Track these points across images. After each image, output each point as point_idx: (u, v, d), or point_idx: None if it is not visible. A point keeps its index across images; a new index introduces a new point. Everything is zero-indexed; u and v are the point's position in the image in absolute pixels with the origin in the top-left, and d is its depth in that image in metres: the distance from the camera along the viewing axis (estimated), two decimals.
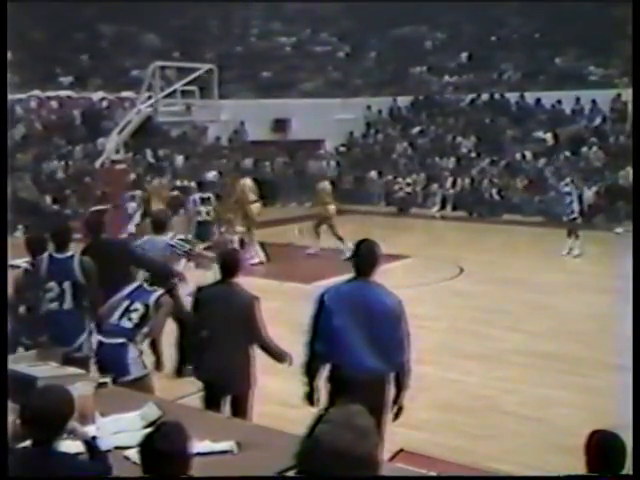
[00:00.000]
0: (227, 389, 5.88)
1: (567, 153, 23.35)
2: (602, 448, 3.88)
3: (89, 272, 6.55)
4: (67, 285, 6.45)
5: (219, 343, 5.78)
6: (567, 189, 16.20)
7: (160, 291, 6.36)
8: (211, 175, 19.46)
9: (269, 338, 5.95)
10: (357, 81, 30.00)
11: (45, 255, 6.59)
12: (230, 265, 6.08)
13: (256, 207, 15.43)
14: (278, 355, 5.99)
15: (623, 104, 23.15)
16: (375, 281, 5.38)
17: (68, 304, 6.48)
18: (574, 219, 15.83)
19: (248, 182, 15.87)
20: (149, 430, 3.61)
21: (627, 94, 20.32)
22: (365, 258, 5.38)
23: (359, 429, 2.43)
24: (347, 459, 2.37)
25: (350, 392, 4.92)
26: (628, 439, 4.03)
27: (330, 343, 5.29)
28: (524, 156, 24.02)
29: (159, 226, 8.60)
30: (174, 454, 3.30)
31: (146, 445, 3.32)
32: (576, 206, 16.02)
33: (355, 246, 5.47)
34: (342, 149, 28.24)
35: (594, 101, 24.44)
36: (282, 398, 7.28)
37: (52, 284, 6.44)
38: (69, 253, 6.56)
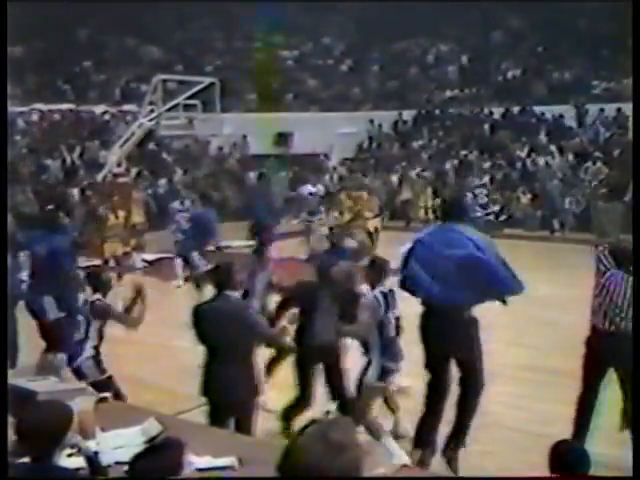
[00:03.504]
0: (233, 411, 5.81)
1: (571, 167, 23.33)
2: (561, 453, 4.15)
3: None
4: None
5: (222, 361, 5.69)
6: None
7: None
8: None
9: (274, 334, 6.35)
10: (360, 95, 30.03)
11: None
12: (225, 278, 5.98)
13: None
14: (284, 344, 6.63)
15: (626, 118, 23.14)
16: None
17: None
18: None
19: None
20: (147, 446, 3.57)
21: (629, 108, 20.27)
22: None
23: (333, 443, 2.34)
24: (316, 473, 2.29)
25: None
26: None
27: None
28: (527, 169, 23.99)
29: None
30: (164, 472, 3.25)
31: (136, 462, 3.28)
32: None
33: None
34: (345, 162, 28.20)
35: (599, 114, 24.48)
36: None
37: None
38: None
